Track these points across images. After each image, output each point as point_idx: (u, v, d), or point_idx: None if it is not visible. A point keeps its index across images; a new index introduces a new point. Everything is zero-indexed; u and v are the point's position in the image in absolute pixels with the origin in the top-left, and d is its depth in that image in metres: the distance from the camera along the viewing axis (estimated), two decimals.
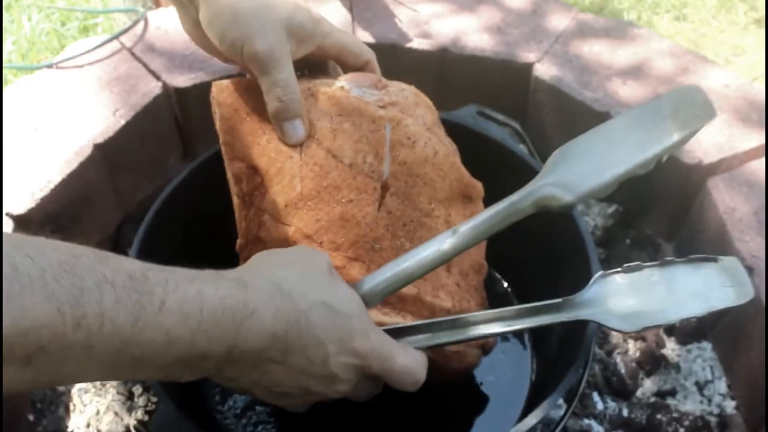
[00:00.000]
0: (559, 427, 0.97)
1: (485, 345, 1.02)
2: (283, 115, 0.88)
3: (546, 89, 1.48)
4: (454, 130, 1.20)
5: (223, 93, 0.95)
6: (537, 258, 1.19)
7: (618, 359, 1.28)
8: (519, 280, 1.28)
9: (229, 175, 0.94)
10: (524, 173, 1.13)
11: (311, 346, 0.69)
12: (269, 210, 0.91)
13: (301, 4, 0.94)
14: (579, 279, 1.02)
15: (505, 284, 1.30)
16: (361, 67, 1.00)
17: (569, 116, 1.46)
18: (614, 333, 1.33)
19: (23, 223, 1.29)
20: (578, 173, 0.87)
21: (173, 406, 0.88)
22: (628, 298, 0.85)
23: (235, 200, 0.93)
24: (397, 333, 0.83)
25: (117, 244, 1.47)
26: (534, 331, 1.22)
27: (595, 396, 1.25)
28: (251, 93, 0.94)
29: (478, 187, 1.05)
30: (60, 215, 1.35)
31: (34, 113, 1.44)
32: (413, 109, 1.01)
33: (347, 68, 1.02)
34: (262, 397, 0.76)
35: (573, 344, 0.96)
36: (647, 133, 0.86)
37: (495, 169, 1.17)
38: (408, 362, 0.77)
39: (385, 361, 0.75)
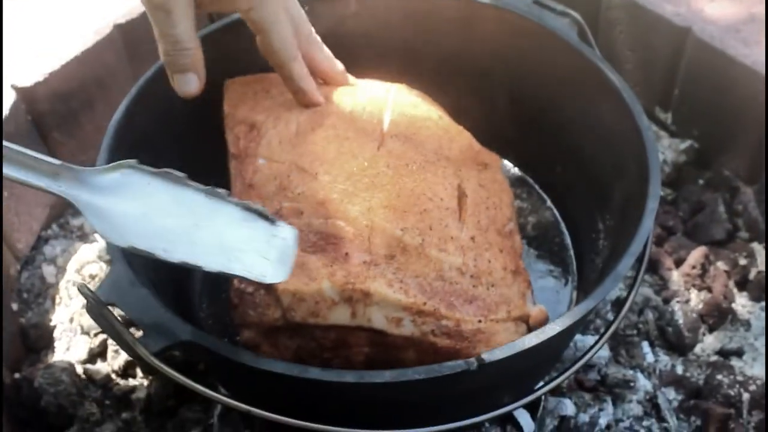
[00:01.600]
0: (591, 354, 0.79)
1: (524, 317, 0.85)
2: (171, 67, 0.84)
3: (620, 4, 1.30)
4: (504, 19, 1.04)
5: (234, 83, 1.01)
6: (586, 177, 1.02)
7: (677, 308, 1.09)
8: (564, 202, 1.11)
9: (229, 142, 0.95)
10: (583, 71, 0.97)
11: None
12: (263, 153, 0.91)
13: None
14: (630, 207, 0.85)
15: (549, 204, 1.12)
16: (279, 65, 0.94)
17: (645, 35, 1.28)
18: (674, 278, 1.13)
19: (28, 98, 1.19)
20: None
21: (126, 267, 0.75)
22: (143, 206, 0.66)
23: (231, 165, 0.93)
24: None
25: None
26: (578, 259, 1.05)
27: (645, 346, 1.07)
28: (259, 82, 1.00)
29: (494, 156, 0.99)
30: (71, 96, 1.24)
31: None
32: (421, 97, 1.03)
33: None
34: None
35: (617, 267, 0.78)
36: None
37: (549, 64, 1.01)
38: None
39: None
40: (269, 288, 0.83)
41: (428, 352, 0.82)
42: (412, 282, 0.81)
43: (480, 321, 0.81)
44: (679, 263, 1.16)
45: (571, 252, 1.05)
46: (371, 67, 1.05)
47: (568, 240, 1.07)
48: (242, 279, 0.73)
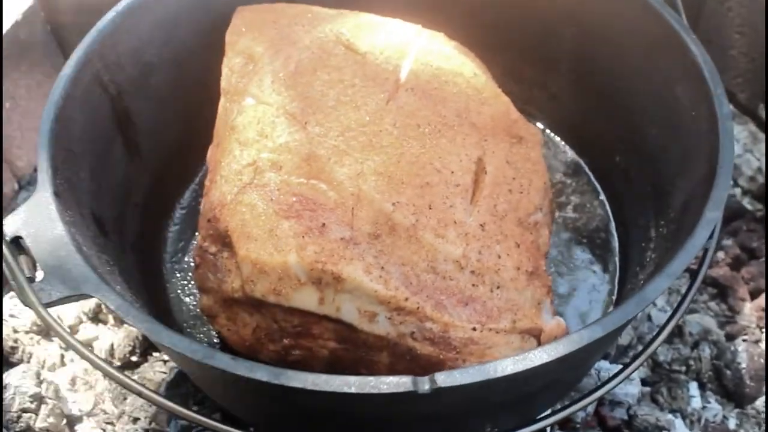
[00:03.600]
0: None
1: (535, 330, 0.69)
2: None
3: None
4: None
5: (244, 11, 0.87)
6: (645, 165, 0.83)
7: (741, 348, 0.89)
8: (619, 199, 0.92)
9: (222, 75, 0.81)
10: (661, 38, 0.78)
11: None
12: (253, 91, 0.77)
13: None
14: (689, 214, 0.67)
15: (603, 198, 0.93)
16: None
17: (758, 14, 1.05)
18: (746, 311, 0.93)
19: (48, 7, 1.09)
20: None
21: (50, 196, 0.63)
22: None
23: (221, 102, 0.81)
24: None
25: None
26: (622, 270, 0.86)
27: (693, 388, 0.88)
28: (271, 11, 0.86)
29: (533, 129, 0.81)
30: (96, 12, 1.13)
31: None
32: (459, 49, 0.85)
33: None
34: None
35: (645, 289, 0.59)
36: None
37: (623, 27, 0.82)
38: None
39: None
40: (232, 253, 0.70)
41: (404, 358, 0.67)
42: (395, 270, 0.66)
43: (475, 329, 0.66)
44: (755, 294, 0.95)
45: (617, 258, 0.87)
46: (414, 12, 0.89)
47: (615, 243, 0.88)
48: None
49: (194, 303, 0.84)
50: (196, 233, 0.88)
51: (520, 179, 0.74)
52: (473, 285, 0.67)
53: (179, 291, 0.85)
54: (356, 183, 0.69)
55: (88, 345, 0.94)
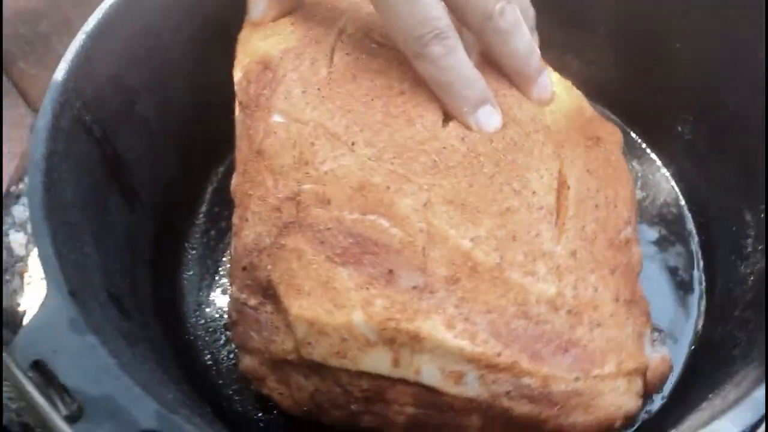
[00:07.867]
0: None
1: (641, 370, 0.61)
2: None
3: None
4: None
5: None
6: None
7: None
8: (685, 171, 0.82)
9: (235, 83, 0.68)
10: None
11: None
12: (280, 106, 0.64)
13: None
14: None
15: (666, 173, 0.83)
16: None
17: None
18: None
19: None
20: None
21: (67, 299, 0.50)
22: None
23: (238, 116, 0.67)
24: None
25: None
26: (707, 251, 0.77)
27: None
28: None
29: (611, 127, 0.70)
30: (39, 16, 0.99)
31: None
32: None
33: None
34: None
35: None
36: None
37: None
38: None
39: None
40: (279, 308, 0.59)
41: (499, 421, 0.58)
42: (481, 321, 0.56)
43: (578, 379, 0.57)
44: None
45: (696, 240, 0.77)
46: None
47: (690, 224, 0.78)
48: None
49: (233, 362, 0.72)
50: (216, 277, 0.78)
51: (605, 190, 0.64)
52: (571, 327, 0.58)
53: (214, 351, 0.73)
54: (424, 216, 0.58)
55: None
